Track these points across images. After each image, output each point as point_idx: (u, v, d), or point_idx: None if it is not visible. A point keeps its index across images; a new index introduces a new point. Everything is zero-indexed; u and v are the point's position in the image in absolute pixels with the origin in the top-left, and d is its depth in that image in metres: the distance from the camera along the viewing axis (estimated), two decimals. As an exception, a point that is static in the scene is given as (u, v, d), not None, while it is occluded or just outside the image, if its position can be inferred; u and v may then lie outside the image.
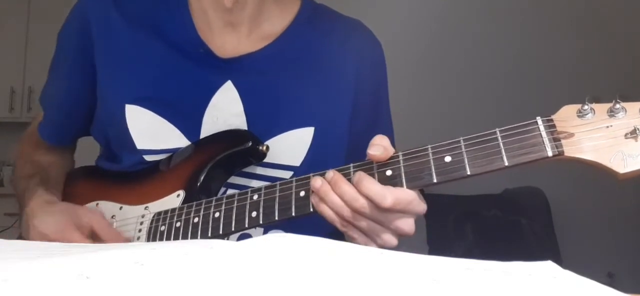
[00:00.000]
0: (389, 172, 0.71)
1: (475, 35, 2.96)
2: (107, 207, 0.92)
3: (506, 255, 0.50)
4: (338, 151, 0.95)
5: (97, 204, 0.93)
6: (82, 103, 1.00)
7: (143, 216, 0.87)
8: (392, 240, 0.71)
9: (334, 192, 0.70)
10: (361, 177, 0.69)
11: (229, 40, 0.94)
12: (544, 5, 2.91)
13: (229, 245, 0.47)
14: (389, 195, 0.67)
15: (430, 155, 0.69)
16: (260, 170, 0.90)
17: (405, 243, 0.77)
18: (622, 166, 0.60)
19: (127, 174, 0.93)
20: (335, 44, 0.98)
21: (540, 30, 2.93)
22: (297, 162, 0.91)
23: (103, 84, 0.94)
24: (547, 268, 0.41)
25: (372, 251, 0.45)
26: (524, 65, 2.93)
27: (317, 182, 0.72)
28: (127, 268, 0.40)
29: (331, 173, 0.72)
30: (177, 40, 0.93)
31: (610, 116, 0.62)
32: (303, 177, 0.76)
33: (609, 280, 2.55)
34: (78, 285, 0.36)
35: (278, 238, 0.47)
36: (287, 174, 0.91)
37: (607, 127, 0.61)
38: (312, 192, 0.73)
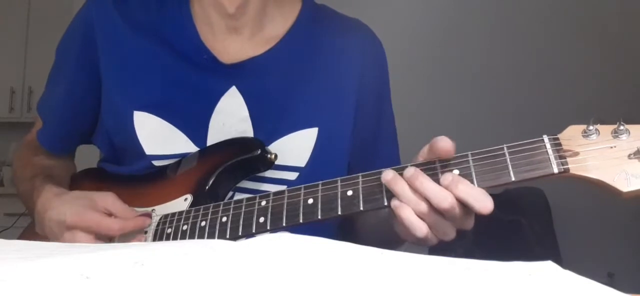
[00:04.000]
0: None
1: (477, 38, 2.96)
2: None
3: (506, 255, 0.50)
4: (342, 151, 0.96)
5: None
6: (86, 112, 1.00)
7: (150, 218, 0.87)
8: (454, 233, 0.69)
9: (423, 194, 0.67)
10: (458, 179, 0.67)
11: (231, 45, 0.94)
12: (549, 10, 2.91)
13: (229, 245, 0.47)
14: (490, 202, 0.66)
15: (438, 168, 0.69)
16: (267, 172, 0.91)
17: (406, 243, 0.77)
18: (626, 185, 0.62)
19: (133, 177, 0.94)
20: (337, 44, 0.98)
21: (543, 34, 2.92)
22: (302, 162, 0.92)
23: (110, 92, 0.95)
24: (547, 268, 0.41)
25: (372, 251, 0.45)
26: (526, 67, 2.93)
27: (431, 188, 0.67)
28: (127, 268, 0.40)
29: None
30: (180, 47, 0.94)
31: (614, 137, 0.64)
32: (311, 185, 0.76)
33: (609, 280, 2.55)
34: (78, 285, 0.36)
35: (278, 238, 0.47)
36: (293, 175, 0.91)
37: (611, 147, 0.64)
38: (395, 195, 0.68)
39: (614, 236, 2.72)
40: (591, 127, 0.66)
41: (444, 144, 0.68)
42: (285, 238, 0.47)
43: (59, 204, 0.85)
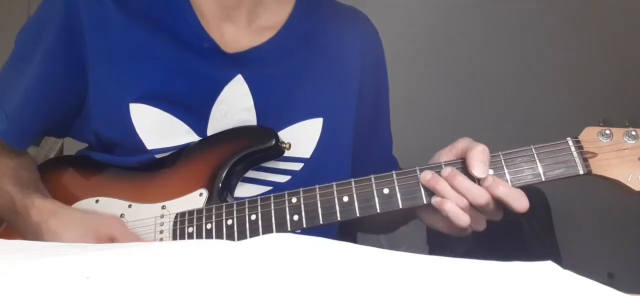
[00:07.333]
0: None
1: (477, 35, 2.96)
2: (112, 205, 0.86)
3: (506, 255, 0.50)
4: (346, 140, 0.95)
5: (97, 201, 0.87)
6: (61, 106, 0.91)
7: (162, 216, 0.83)
8: (485, 224, 0.75)
9: (461, 192, 0.73)
10: (498, 181, 0.72)
11: (227, 32, 0.92)
12: (550, 8, 2.91)
13: (229, 245, 0.47)
14: (526, 201, 0.71)
15: None
16: (270, 163, 0.89)
17: (406, 243, 0.78)
18: (638, 184, 0.70)
19: (131, 168, 0.89)
20: (336, 32, 0.98)
21: (543, 31, 2.92)
22: (307, 153, 0.91)
23: (101, 84, 0.89)
24: (547, 268, 0.41)
25: (372, 251, 0.45)
26: (527, 68, 2.93)
27: (465, 184, 0.73)
28: (127, 268, 0.40)
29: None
30: (180, 34, 0.90)
31: (625, 140, 0.72)
32: (343, 182, 0.76)
33: (609, 280, 2.54)
34: (78, 285, 0.36)
35: (278, 238, 0.47)
36: (297, 166, 0.90)
37: (624, 149, 0.72)
38: (436, 192, 0.74)
39: (614, 236, 2.72)
40: (608, 131, 0.72)
41: (476, 172, 0.72)
42: (285, 238, 0.47)
43: (58, 229, 0.79)
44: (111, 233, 0.79)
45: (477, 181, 0.73)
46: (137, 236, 0.81)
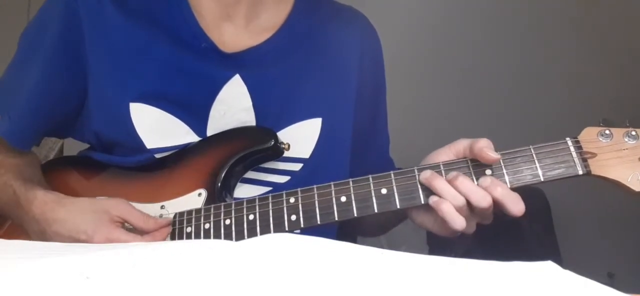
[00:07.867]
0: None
1: (477, 35, 2.96)
2: None
3: (506, 255, 0.50)
4: (345, 140, 0.95)
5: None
6: (62, 105, 0.92)
7: (161, 216, 0.84)
8: (474, 227, 0.75)
9: (463, 193, 0.72)
10: (496, 182, 0.72)
11: (226, 32, 0.92)
12: (550, 9, 2.91)
13: (228, 245, 0.47)
14: (522, 205, 0.71)
15: (470, 166, 0.73)
16: (269, 163, 0.89)
17: (406, 243, 0.78)
18: (638, 185, 0.70)
19: (131, 168, 0.90)
20: (335, 32, 0.98)
21: (543, 33, 2.92)
22: (306, 153, 0.91)
23: (102, 83, 0.90)
24: (547, 268, 0.41)
25: (372, 251, 0.45)
26: (527, 68, 2.93)
27: (469, 182, 0.72)
28: (127, 269, 0.40)
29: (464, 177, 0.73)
30: (178, 34, 0.90)
31: (625, 140, 0.72)
32: (341, 182, 0.76)
33: (609, 280, 2.54)
34: (78, 284, 0.36)
35: (278, 238, 0.47)
36: (297, 166, 0.90)
37: (624, 149, 0.71)
38: (436, 192, 0.73)
39: (614, 236, 2.72)
40: (608, 131, 0.72)
41: (492, 156, 0.72)
42: (285, 238, 0.47)
43: (68, 216, 0.79)
44: (122, 214, 0.79)
45: (476, 181, 0.72)
46: (146, 215, 0.81)
